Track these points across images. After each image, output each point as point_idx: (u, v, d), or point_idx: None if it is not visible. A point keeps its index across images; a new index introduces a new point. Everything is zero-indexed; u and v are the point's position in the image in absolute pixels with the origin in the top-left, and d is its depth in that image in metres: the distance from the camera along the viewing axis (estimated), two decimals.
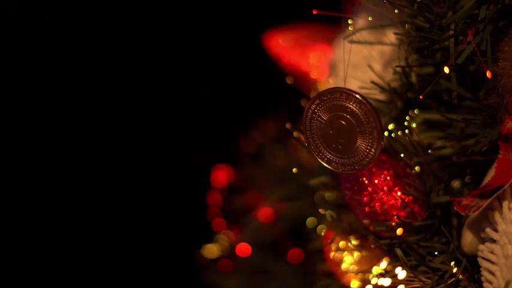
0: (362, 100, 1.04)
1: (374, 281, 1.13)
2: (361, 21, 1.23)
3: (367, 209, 1.14)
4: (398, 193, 1.12)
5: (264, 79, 1.78)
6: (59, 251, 2.03)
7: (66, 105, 2.04)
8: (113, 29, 2.02)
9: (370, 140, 1.05)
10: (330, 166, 1.08)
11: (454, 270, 1.09)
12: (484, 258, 1.05)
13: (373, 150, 1.05)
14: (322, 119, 1.06)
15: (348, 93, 1.04)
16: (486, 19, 1.02)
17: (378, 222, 1.14)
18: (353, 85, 1.12)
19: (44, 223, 2.03)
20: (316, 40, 1.59)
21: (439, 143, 1.15)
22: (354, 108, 1.04)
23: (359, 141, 1.05)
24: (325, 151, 1.08)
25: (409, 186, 1.12)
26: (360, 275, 1.21)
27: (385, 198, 1.12)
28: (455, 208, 1.06)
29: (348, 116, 1.05)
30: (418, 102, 1.15)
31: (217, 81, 2.03)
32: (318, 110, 1.06)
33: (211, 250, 1.70)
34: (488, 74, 1.03)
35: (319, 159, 1.08)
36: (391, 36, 1.17)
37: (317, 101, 1.06)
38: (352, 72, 1.22)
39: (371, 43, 1.19)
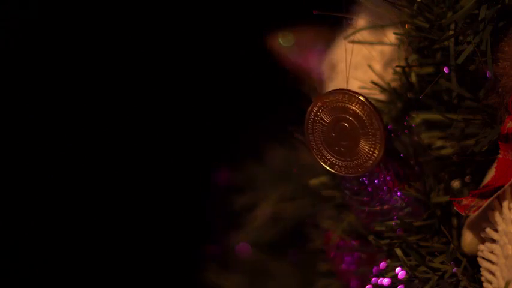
0: (364, 101, 1.03)
1: (374, 281, 1.13)
2: (361, 21, 1.23)
3: (367, 209, 1.14)
4: (398, 193, 1.12)
5: (264, 79, 1.77)
6: (58, 251, 2.03)
7: (66, 105, 2.04)
8: (112, 28, 2.02)
9: (373, 142, 1.04)
10: (333, 169, 1.07)
11: (454, 270, 1.09)
12: (484, 258, 1.05)
13: (376, 152, 1.04)
14: (325, 121, 1.06)
15: (350, 95, 1.03)
16: (486, 19, 1.02)
17: (377, 222, 1.14)
18: (353, 85, 1.12)
19: (43, 223, 2.03)
20: (316, 40, 1.59)
21: (439, 143, 1.14)
22: (357, 110, 1.04)
23: (362, 143, 1.04)
24: (327, 154, 1.07)
25: (409, 186, 1.12)
26: (359, 275, 1.21)
27: (385, 198, 1.12)
28: (455, 208, 1.06)
29: (351, 118, 1.04)
30: (418, 102, 1.15)
31: (217, 81, 2.03)
32: (320, 112, 1.06)
33: None
34: (488, 74, 1.03)
35: (322, 163, 1.07)
36: (391, 36, 1.17)
37: (319, 104, 1.05)
38: (352, 72, 1.22)
39: (371, 43, 1.19)
